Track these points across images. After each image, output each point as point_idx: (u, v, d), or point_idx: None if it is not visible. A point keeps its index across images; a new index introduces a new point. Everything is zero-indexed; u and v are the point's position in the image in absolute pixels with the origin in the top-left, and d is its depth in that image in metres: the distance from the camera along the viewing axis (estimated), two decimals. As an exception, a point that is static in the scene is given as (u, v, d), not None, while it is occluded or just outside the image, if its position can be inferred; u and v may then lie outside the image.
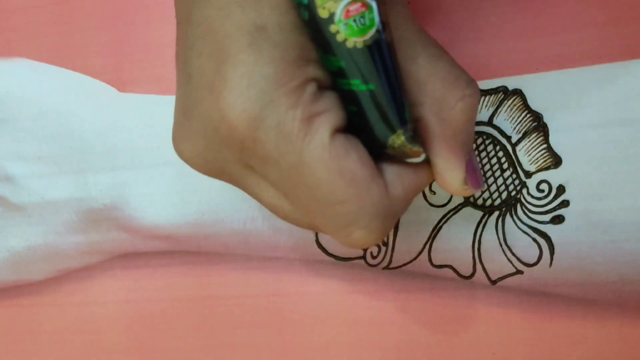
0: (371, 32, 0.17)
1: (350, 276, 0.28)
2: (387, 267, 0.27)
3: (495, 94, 0.26)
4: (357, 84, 0.18)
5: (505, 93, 0.26)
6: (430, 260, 0.27)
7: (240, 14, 0.17)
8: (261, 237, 0.28)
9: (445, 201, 0.26)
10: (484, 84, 0.26)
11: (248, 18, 0.17)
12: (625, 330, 0.25)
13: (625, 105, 0.24)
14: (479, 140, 0.26)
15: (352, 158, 0.18)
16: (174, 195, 0.29)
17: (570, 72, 0.25)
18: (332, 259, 0.28)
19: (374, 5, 0.17)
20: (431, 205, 0.27)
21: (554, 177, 0.25)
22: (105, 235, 0.30)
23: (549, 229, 0.25)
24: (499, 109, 0.26)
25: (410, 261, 0.27)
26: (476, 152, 0.26)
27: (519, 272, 0.26)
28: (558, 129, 0.25)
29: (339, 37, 0.17)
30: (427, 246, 0.27)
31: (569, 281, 0.25)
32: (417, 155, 0.19)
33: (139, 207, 0.29)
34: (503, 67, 0.26)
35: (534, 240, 0.26)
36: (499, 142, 0.26)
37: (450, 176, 0.20)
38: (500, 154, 0.26)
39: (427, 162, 0.20)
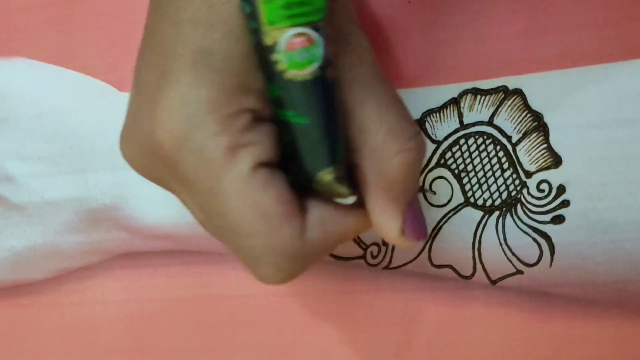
0: (312, 68, 0.17)
1: (350, 276, 0.28)
2: (387, 267, 0.27)
3: (495, 93, 0.26)
4: (292, 116, 0.18)
5: (506, 93, 0.26)
6: (430, 260, 0.27)
7: (191, 34, 0.17)
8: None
9: (446, 201, 0.26)
10: (485, 84, 0.26)
11: (196, 40, 0.17)
12: (625, 330, 0.25)
13: (626, 105, 0.24)
14: (480, 140, 0.26)
15: (269, 194, 0.18)
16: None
17: (571, 72, 0.25)
18: (332, 259, 0.28)
19: (319, 41, 0.17)
20: (431, 205, 0.27)
21: (554, 176, 0.25)
22: (105, 234, 0.30)
23: (549, 228, 0.25)
24: (499, 109, 0.26)
25: (410, 261, 0.27)
26: (476, 152, 0.26)
27: (519, 272, 0.26)
28: (558, 129, 0.25)
29: (279, 67, 0.17)
30: (427, 246, 0.27)
31: (569, 281, 0.25)
32: (344, 196, 0.19)
33: (139, 206, 0.29)
34: (503, 67, 0.26)
35: (534, 240, 0.26)
36: (499, 142, 0.26)
37: (386, 226, 0.20)
38: (501, 153, 0.26)
39: (359, 208, 0.20)
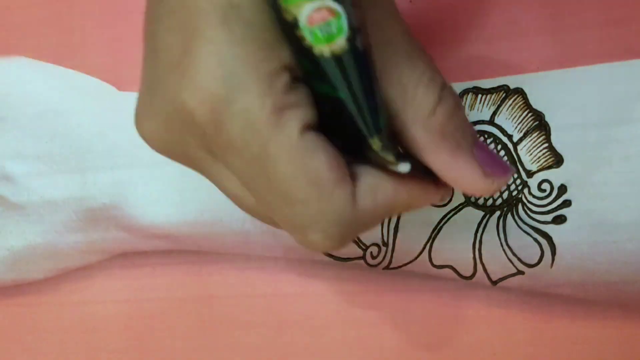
0: (339, 41, 0.16)
1: (350, 276, 0.28)
2: (387, 268, 0.27)
3: (496, 93, 0.26)
4: (328, 89, 0.17)
5: (507, 92, 0.26)
6: (430, 260, 0.27)
7: None
8: (260, 237, 0.28)
9: (446, 201, 0.26)
10: (486, 83, 0.26)
11: None
12: (626, 330, 0.25)
13: (627, 104, 0.24)
14: (480, 140, 0.26)
15: (319, 158, 0.17)
16: (174, 194, 0.29)
17: (572, 71, 0.25)
18: (331, 259, 0.28)
19: (341, 11, 0.16)
20: (431, 205, 0.26)
21: (556, 176, 0.25)
22: (105, 234, 0.30)
23: (550, 229, 0.25)
24: (501, 108, 0.26)
25: (411, 261, 0.27)
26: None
27: (520, 272, 0.26)
28: (559, 128, 0.25)
29: (306, 43, 0.16)
30: (428, 246, 0.27)
31: (571, 281, 0.25)
32: (394, 165, 0.18)
33: (139, 206, 0.29)
34: (504, 66, 0.26)
35: (535, 240, 0.25)
36: (501, 141, 0.26)
37: (466, 177, 0.19)
38: (502, 153, 0.26)
39: (412, 179, 0.19)
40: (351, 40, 0.16)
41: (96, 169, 0.30)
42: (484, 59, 0.26)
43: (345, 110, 0.17)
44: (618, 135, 0.25)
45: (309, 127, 0.17)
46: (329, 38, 0.16)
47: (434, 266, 0.27)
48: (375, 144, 0.17)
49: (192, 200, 0.29)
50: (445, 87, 0.18)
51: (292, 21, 0.16)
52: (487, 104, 0.26)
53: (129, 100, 0.30)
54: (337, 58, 0.16)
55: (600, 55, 0.25)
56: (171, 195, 0.29)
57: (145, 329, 0.31)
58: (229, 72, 0.16)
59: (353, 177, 0.18)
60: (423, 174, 0.19)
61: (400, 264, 0.27)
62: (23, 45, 0.32)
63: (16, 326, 0.32)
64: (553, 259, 0.25)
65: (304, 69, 0.17)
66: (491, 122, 0.26)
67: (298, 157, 0.17)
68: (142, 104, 0.18)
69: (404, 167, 0.18)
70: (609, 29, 0.25)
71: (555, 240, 0.25)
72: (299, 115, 0.17)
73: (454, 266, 0.27)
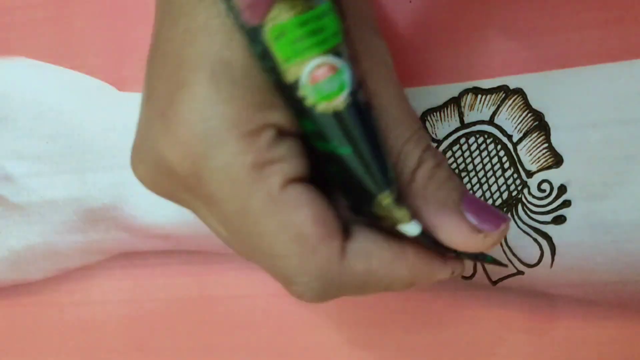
0: (342, 96, 0.16)
1: (351, 276, 0.28)
2: (387, 267, 0.27)
3: (496, 93, 0.26)
4: (335, 147, 0.16)
5: (507, 92, 0.26)
6: (430, 260, 0.27)
7: (207, 43, 0.16)
8: (261, 237, 0.28)
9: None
10: (485, 83, 0.26)
11: (214, 49, 0.16)
12: (626, 331, 0.25)
13: (627, 104, 0.24)
14: (480, 140, 0.26)
15: (303, 212, 0.17)
16: (174, 194, 0.29)
17: (572, 71, 0.25)
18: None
19: (344, 67, 0.16)
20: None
21: (556, 176, 0.25)
22: (105, 234, 0.30)
23: (550, 229, 0.25)
24: (500, 108, 0.26)
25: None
26: (477, 152, 0.26)
27: (519, 272, 0.26)
28: (559, 128, 0.25)
29: (308, 102, 0.16)
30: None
31: (570, 282, 0.25)
32: (406, 221, 0.17)
33: (139, 206, 0.29)
34: (504, 66, 0.26)
35: (535, 240, 0.25)
36: (500, 142, 0.26)
37: (456, 237, 0.18)
38: (502, 153, 0.26)
39: (415, 257, 0.18)
40: (353, 95, 0.16)
41: (96, 169, 0.30)
42: (484, 59, 0.26)
43: (351, 168, 0.17)
44: (618, 135, 0.25)
45: (293, 181, 0.17)
46: (332, 95, 0.16)
47: (434, 266, 0.27)
48: (386, 199, 0.17)
49: (192, 200, 0.29)
50: (426, 151, 0.18)
51: (293, 83, 0.16)
52: (487, 104, 0.26)
53: (129, 100, 0.30)
54: (341, 113, 0.16)
55: (600, 55, 0.25)
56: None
57: (146, 329, 0.31)
58: (210, 130, 0.16)
59: (347, 235, 0.18)
60: (429, 245, 0.18)
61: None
62: (23, 45, 0.32)
63: (16, 326, 0.33)
64: (553, 259, 0.25)
65: (307, 130, 0.17)
66: (491, 122, 0.26)
67: (279, 212, 0.17)
68: (136, 144, 0.19)
69: (415, 228, 0.17)
70: (609, 29, 0.25)
71: (555, 240, 0.25)
72: (280, 169, 0.17)
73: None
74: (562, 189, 0.25)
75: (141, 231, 0.30)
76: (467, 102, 0.26)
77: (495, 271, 0.26)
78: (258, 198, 0.17)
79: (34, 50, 0.31)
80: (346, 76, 0.16)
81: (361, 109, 0.16)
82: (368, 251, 0.18)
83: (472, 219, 0.18)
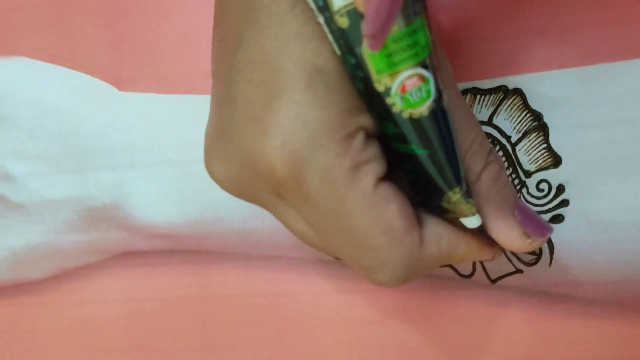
0: (427, 103, 0.17)
1: (351, 275, 0.28)
2: (386, 267, 0.27)
3: (495, 93, 0.26)
4: (414, 148, 0.18)
5: (505, 92, 0.26)
6: (430, 259, 0.27)
7: (299, 51, 0.17)
8: (261, 236, 0.28)
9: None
10: (484, 84, 0.26)
11: (307, 57, 0.17)
12: (625, 330, 0.25)
13: (626, 104, 0.24)
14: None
15: (391, 208, 0.18)
16: (174, 194, 0.29)
17: (570, 71, 0.25)
18: (332, 258, 0.28)
19: (430, 77, 0.17)
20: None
21: (554, 176, 0.25)
22: (105, 234, 0.30)
23: (548, 228, 0.25)
24: (499, 109, 0.26)
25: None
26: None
27: (518, 271, 0.26)
28: (558, 129, 0.25)
29: (395, 109, 0.17)
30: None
31: (569, 280, 0.25)
32: (470, 213, 0.19)
33: (139, 206, 0.29)
34: (503, 67, 0.26)
35: (534, 239, 0.26)
36: (499, 142, 0.26)
37: (508, 238, 0.20)
38: (500, 153, 0.26)
39: (472, 235, 0.20)
40: (436, 101, 0.17)
41: (97, 169, 0.30)
42: (483, 59, 0.26)
43: (427, 166, 0.18)
44: (617, 135, 0.25)
45: (381, 179, 0.18)
46: (419, 102, 0.17)
47: (433, 265, 0.27)
48: (456, 195, 0.19)
49: (193, 200, 0.29)
50: (491, 153, 0.20)
51: (384, 91, 0.17)
52: (486, 105, 0.26)
53: (129, 100, 0.30)
54: (424, 119, 0.17)
55: (600, 55, 0.25)
56: (172, 195, 0.29)
57: (146, 329, 0.31)
58: (311, 135, 0.17)
59: (420, 223, 0.20)
60: (480, 233, 0.21)
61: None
62: (23, 45, 0.32)
63: (16, 326, 0.33)
64: (551, 258, 0.25)
65: (389, 133, 0.18)
66: (489, 122, 0.26)
67: (372, 209, 0.18)
68: (213, 147, 0.19)
69: (477, 221, 0.20)
70: (609, 29, 0.25)
71: (553, 239, 0.25)
72: (372, 169, 0.18)
73: (454, 265, 0.27)
74: (560, 188, 0.25)
75: (142, 231, 0.30)
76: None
77: (494, 270, 0.26)
78: (355, 197, 0.18)
79: (34, 50, 0.31)
80: (432, 85, 0.17)
81: (441, 115, 0.18)
82: (438, 234, 0.20)
83: (523, 225, 0.20)
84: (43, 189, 0.31)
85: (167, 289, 0.30)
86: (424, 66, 0.17)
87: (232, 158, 0.19)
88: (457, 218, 0.20)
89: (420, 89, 0.17)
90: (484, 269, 0.26)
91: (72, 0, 0.31)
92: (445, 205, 0.19)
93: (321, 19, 0.17)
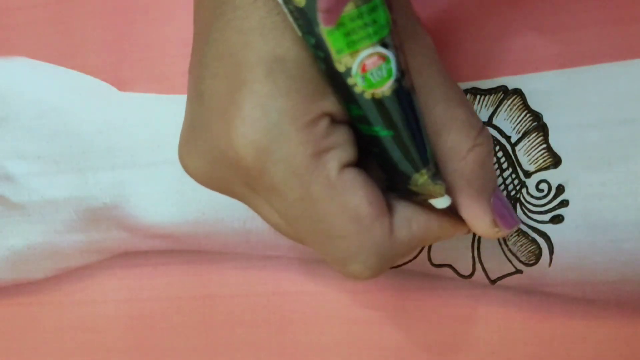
0: (389, 83, 0.17)
1: (350, 275, 0.28)
2: (386, 267, 0.27)
3: (494, 93, 0.26)
4: (378, 130, 0.18)
5: (505, 93, 0.26)
6: (429, 259, 0.27)
7: (261, 43, 0.17)
8: (261, 236, 0.28)
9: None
10: (484, 84, 0.26)
11: (268, 47, 0.17)
12: (624, 330, 0.25)
13: (625, 105, 0.24)
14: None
15: (358, 195, 0.18)
16: (174, 194, 0.29)
17: (570, 71, 0.25)
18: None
19: (391, 56, 0.17)
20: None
21: (554, 176, 0.25)
22: (105, 234, 0.30)
23: (548, 228, 0.25)
24: (499, 109, 0.26)
25: (410, 260, 0.27)
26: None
27: (518, 271, 0.26)
28: (558, 129, 0.25)
29: (357, 89, 0.17)
30: (427, 246, 0.27)
31: (569, 281, 0.25)
32: (439, 194, 0.19)
33: (139, 205, 0.29)
34: (503, 67, 0.26)
35: (533, 239, 0.26)
36: (499, 142, 0.26)
37: (477, 221, 0.20)
38: (500, 153, 0.26)
39: (443, 213, 0.20)
40: (398, 81, 0.17)
41: (97, 169, 0.30)
42: (483, 59, 0.26)
43: (391, 149, 0.18)
44: (617, 135, 0.25)
45: (347, 165, 0.18)
46: (380, 82, 0.17)
47: (433, 265, 0.27)
48: (422, 177, 0.19)
49: (193, 200, 0.29)
50: (481, 134, 0.20)
51: (344, 71, 0.17)
52: (486, 105, 0.26)
53: (129, 100, 0.30)
54: (387, 99, 0.17)
55: (600, 55, 0.25)
56: (172, 195, 0.29)
57: (146, 329, 0.31)
58: (272, 124, 0.17)
59: (389, 209, 0.19)
60: (450, 210, 0.20)
61: (400, 263, 0.27)
62: (24, 46, 0.32)
63: (16, 326, 0.33)
64: (551, 258, 0.25)
65: (353, 114, 0.18)
66: (489, 123, 0.26)
67: (338, 196, 0.18)
68: (185, 142, 0.20)
69: (446, 201, 0.19)
70: (609, 29, 0.25)
71: (553, 239, 0.25)
72: (337, 155, 0.18)
73: (453, 265, 0.27)
74: (560, 188, 0.25)
75: (142, 231, 0.30)
76: (466, 103, 0.26)
77: (494, 270, 0.26)
78: (318, 184, 0.18)
79: (34, 50, 0.31)
80: (393, 64, 0.17)
81: (405, 95, 0.17)
82: (408, 218, 0.20)
83: (495, 213, 0.20)
84: (43, 189, 0.31)
85: (167, 289, 0.30)
86: (384, 45, 0.17)
87: (203, 152, 0.19)
88: (426, 200, 0.19)
89: (380, 68, 0.17)
90: (484, 269, 0.26)
91: (72, 0, 0.31)
92: (412, 188, 0.19)
93: (282, 5, 0.17)
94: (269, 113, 0.17)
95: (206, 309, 0.30)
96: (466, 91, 0.26)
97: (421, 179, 0.19)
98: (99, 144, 0.30)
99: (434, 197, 0.19)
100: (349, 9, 0.16)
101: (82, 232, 0.31)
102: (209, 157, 0.19)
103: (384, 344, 0.28)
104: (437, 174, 0.19)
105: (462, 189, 0.19)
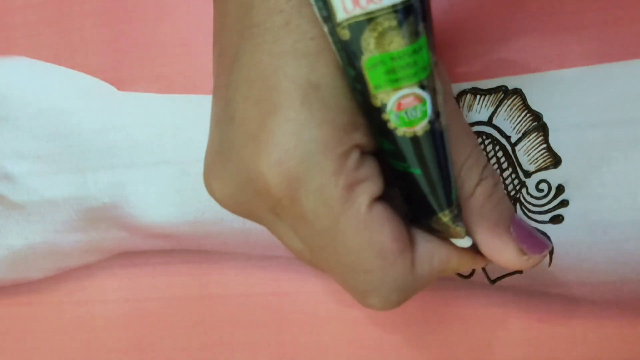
0: (422, 124, 0.17)
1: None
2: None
3: (495, 93, 0.26)
4: (407, 167, 0.18)
5: (505, 93, 0.26)
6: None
7: (294, 67, 0.17)
8: (261, 236, 0.28)
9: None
10: (484, 84, 0.26)
11: (302, 73, 0.17)
12: (624, 330, 0.25)
13: (625, 105, 0.24)
14: (479, 140, 0.26)
15: (385, 230, 0.18)
16: (174, 193, 0.29)
17: (570, 71, 0.25)
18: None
19: (427, 98, 0.17)
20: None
21: (554, 176, 0.25)
22: (105, 233, 0.30)
23: (548, 228, 0.25)
24: (499, 109, 0.26)
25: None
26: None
27: (518, 271, 0.26)
28: (558, 129, 0.25)
29: (390, 125, 0.17)
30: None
31: (568, 281, 0.25)
32: (459, 236, 0.19)
33: (139, 205, 0.29)
34: (503, 67, 0.26)
35: (534, 239, 0.26)
36: (499, 142, 0.26)
37: (503, 255, 0.20)
38: (500, 153, 0.26)
39: (471, 250, 0.20)
40: (432, 123, 0.17)
41: (96, 169, 0.30)
42: (483, 60, 0.26)
43: (418, 185, 0.18)
44: (617, 135, 0.25)
45: (376, 199, 0.18)
46: (413, 122, 0.17)
47: (433, 265, 0.27)
48: (446, 217, 0.19)
49: (193, 199, 0.29)
50: (486, 168, 0.20)
51: (380, 106, 0.17)
52: (486, 105, 0.26)
53: (129, 100, 0.30)
54: (418, 139, 0.17)
55: (599, 55, 0.25)
56: (172, 194, 0.29)
57: (146, 328, 0.31)
58: (306, 153, 0.17)
59: (412, 242, 0.20)
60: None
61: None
62: (23, 45, 0.32)
63: (16, 325, 0.33)
64: (551, 259, 0.25)
65: (384, 149, 0.18)
66: (489, 122, 0.26)
67: (366, 231, 0.18)
68: (212, 164, 0.19)
69: (468, 242, 0.20)
70: (609, 29, 0.25)
71: (553, 239, 0.25)
72: (367, 189, 0.18)
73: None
74: (560, 188, 0.25)
75: (141, 230, 0.30)
76: (466, 103, 0.26)
77: (494, 270, 0.26)
78: (349, 217, 0.18)
79: (34, 50, 0.31)
80: (428, 106, 0.17)
81: (437, 136, 0.17)
82: (430, 252, 0.20)
83: (519, 241, 0.20)
84: (43, 189, 0.31)
85: (167, 289, 0.30)
86: (422, 87, 0.17)
87: (230, 176, 0.18)
88: (448, 238, 0.20)
89: (415, 109, 0.17)
90: (484, 269, 0.26)
91: (72, 0, 0.31)
92: (434, 225, 0.19)
93: (326, 29, 0.16)
94: (305, 142, 0.17)
95: (205, 308, 0.30)
96: (466, 91, 0.26)
97: (444, 218, 0.19)
98: (98, 143, 0.30)
99: (455, 237, 0.20)
100: (395, 47, 0.16)
101: (82, 232, 0.31)
102: (236, 180, 0.18)
103: (384, 344, 0.28)
104: (459, 215, 0.19)
105: (477, 225, 0.20)
